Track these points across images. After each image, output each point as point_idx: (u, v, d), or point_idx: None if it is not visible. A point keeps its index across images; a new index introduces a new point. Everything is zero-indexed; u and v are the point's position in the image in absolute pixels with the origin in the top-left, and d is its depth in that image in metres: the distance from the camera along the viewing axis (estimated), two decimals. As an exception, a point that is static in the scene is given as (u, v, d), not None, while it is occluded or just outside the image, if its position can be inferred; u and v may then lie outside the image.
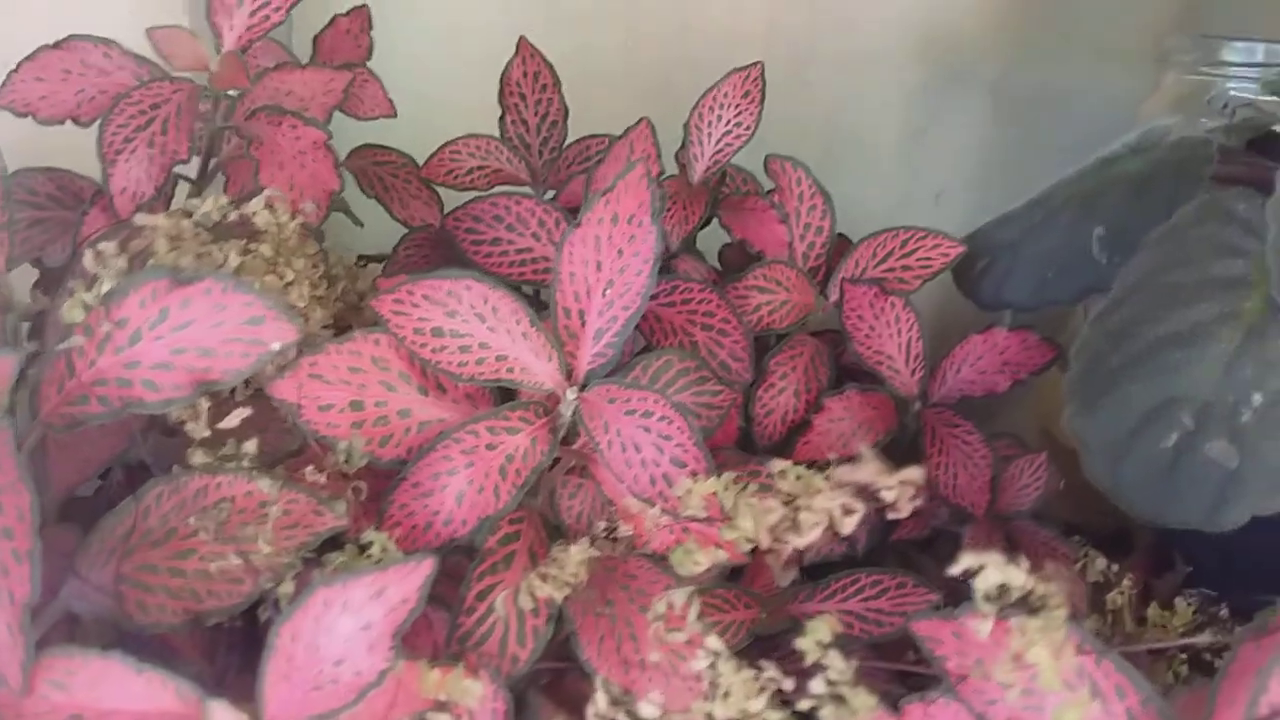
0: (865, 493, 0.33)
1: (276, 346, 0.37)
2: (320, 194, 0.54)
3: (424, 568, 0.35)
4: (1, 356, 0.36)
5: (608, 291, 0.44)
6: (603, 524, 0.45)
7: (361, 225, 0.72)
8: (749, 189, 0.66)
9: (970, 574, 0.30)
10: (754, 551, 0.53)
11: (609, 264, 0.44)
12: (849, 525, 0.33)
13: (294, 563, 0.36)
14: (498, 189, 0.63)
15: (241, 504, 0.40)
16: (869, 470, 0.32)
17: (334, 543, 0.41)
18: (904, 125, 0.95)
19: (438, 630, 0.42)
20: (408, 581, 0.34)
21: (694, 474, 0.42)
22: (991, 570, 0.30)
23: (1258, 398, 0.49)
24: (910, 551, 0.60)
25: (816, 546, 0.58)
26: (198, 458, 0.41)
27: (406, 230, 0.65)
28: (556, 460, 0.47)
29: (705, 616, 0.44)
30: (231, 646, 0.42)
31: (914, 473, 0.33)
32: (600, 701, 0.33)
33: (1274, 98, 0.62)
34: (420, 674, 0.36)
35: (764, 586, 0.52)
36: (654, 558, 0.45)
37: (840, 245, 0.64)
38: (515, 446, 0.43)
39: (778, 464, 0.36)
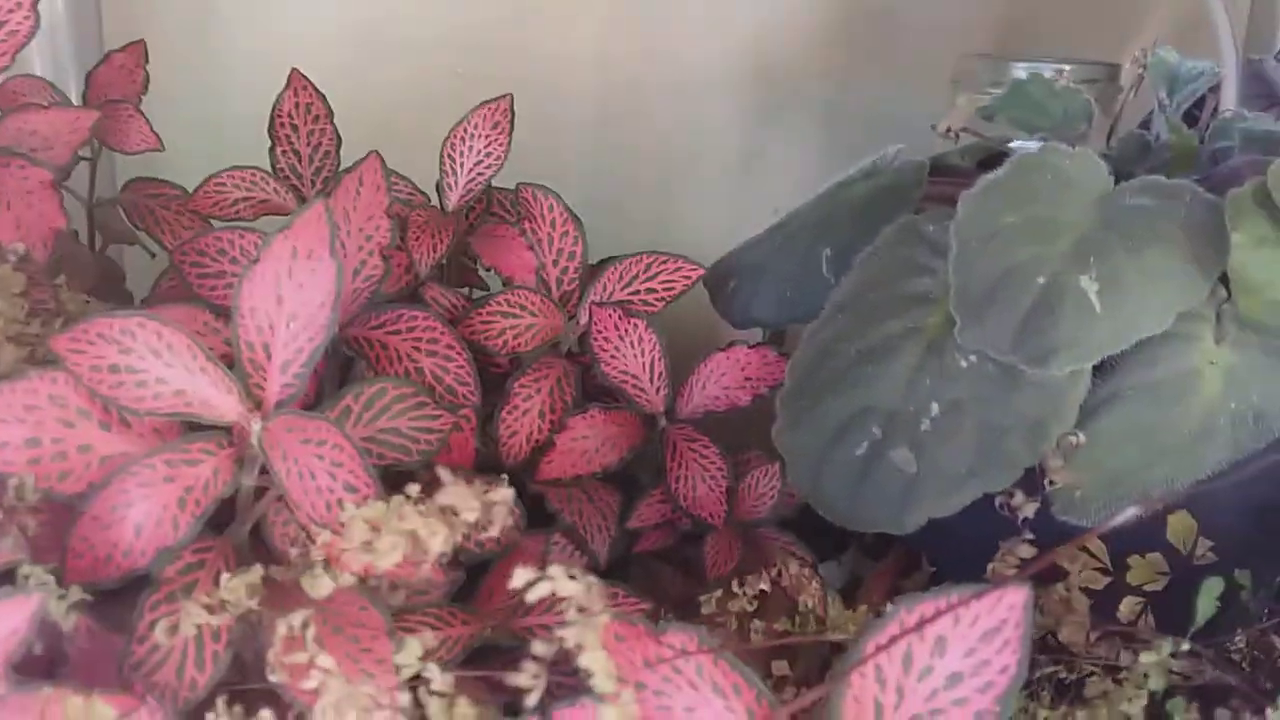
0: (449, 515, 0.35)
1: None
2: (47, 232, 0.55)
3: (32, 601, 0.36)
4: None
5: (291, 325, 0.46)
6: (303, 549, 0.47)
7: (154, 256, 0.73)
8: (506, 217, 0.68)
9: (530, 584, 0.32)
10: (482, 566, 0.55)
11: (290, 297, 0.46)
12: (437, 544, 0.35)
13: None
14: (264, 219, 0.65)
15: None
16: (454, 493, 0.34)
17: (9, 576, 0.42)
18: (740, 148, 0.98)
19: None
20: (17, 613, 0.35)
21: (364, 498, 0.43)
22: (546, 584, 0.32)
23: (935, 407, 0.52)
24: (654, 563, 0.63)
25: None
26: None
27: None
28: (264, 490, 0.49)
29: (418, 632, 0.46)
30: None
31: (502, 493, 0.35)
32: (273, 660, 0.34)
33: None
34: (64, 702, 0.37)
35: (500, 602, 0.54)
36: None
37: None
38: (196, 478, 0.45)
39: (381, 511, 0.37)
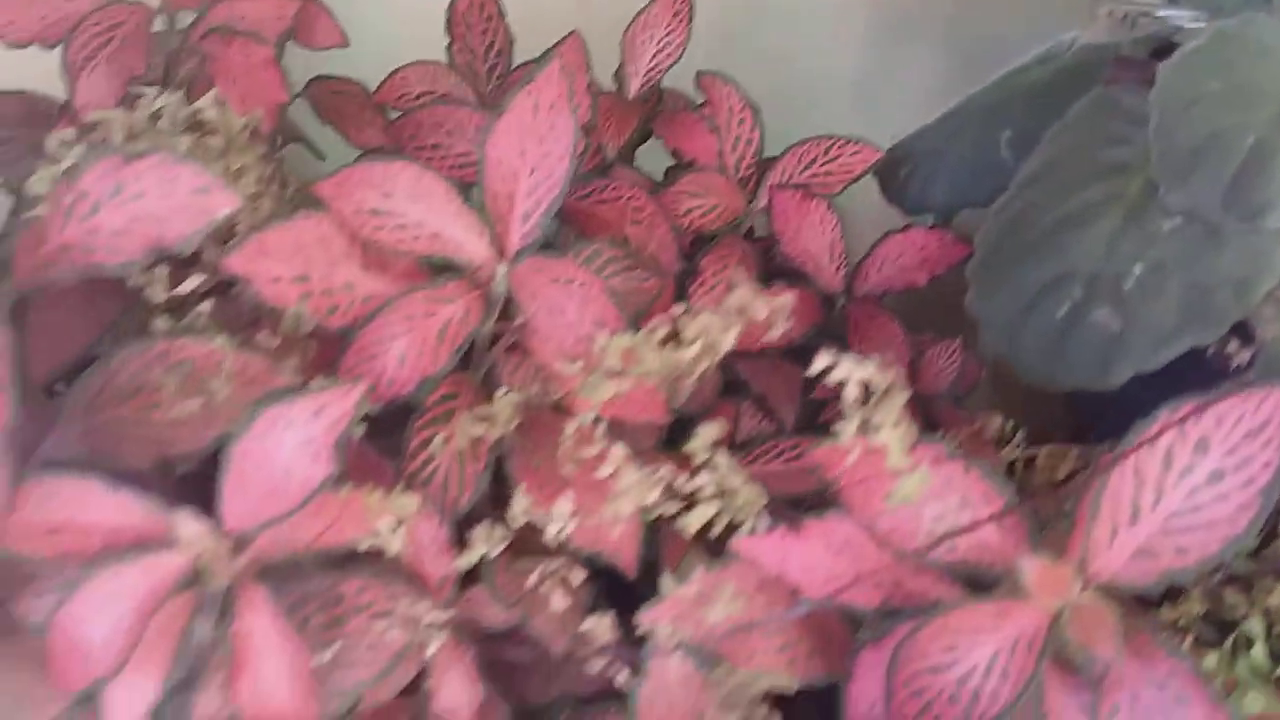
0: (742, 314, 0.37)
1: (222, 214, 0.41)
2: (270, 105, 0.58)
3: (357, 389, 0.39)
4: (-24, 220, 0.40)
5: (532, 175, 0.48)
6: (537, 387, 0.49)
7: (324, 158, 0.76)
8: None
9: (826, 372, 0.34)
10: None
11: (532, 150, 0.48)
12: (728, 340, 0.38)
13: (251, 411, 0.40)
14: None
15: (202, 363, 0.45)
16: (743, 294, 0.37)
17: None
18: (860, 69, 0.99)
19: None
20: (344, 401, 0.38)
21: (612, 332, 0.46)
22: (842, 366, 0.34)
23: (1138, 268, 0.53)
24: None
25: (745, 427, 0.62)
26: (160, 323, 0.45)
27: (360, 154, 0.69)
28: (497, 338, 0.51)
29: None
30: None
31: (785, 299, 0.37)
32: (518, 505, 0.37)
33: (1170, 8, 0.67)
34: (365, 498, 0.40)
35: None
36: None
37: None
38: (451, 315, 0.48)
39: (679, 309, 0.40)
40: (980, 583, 0.43)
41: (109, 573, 0.38)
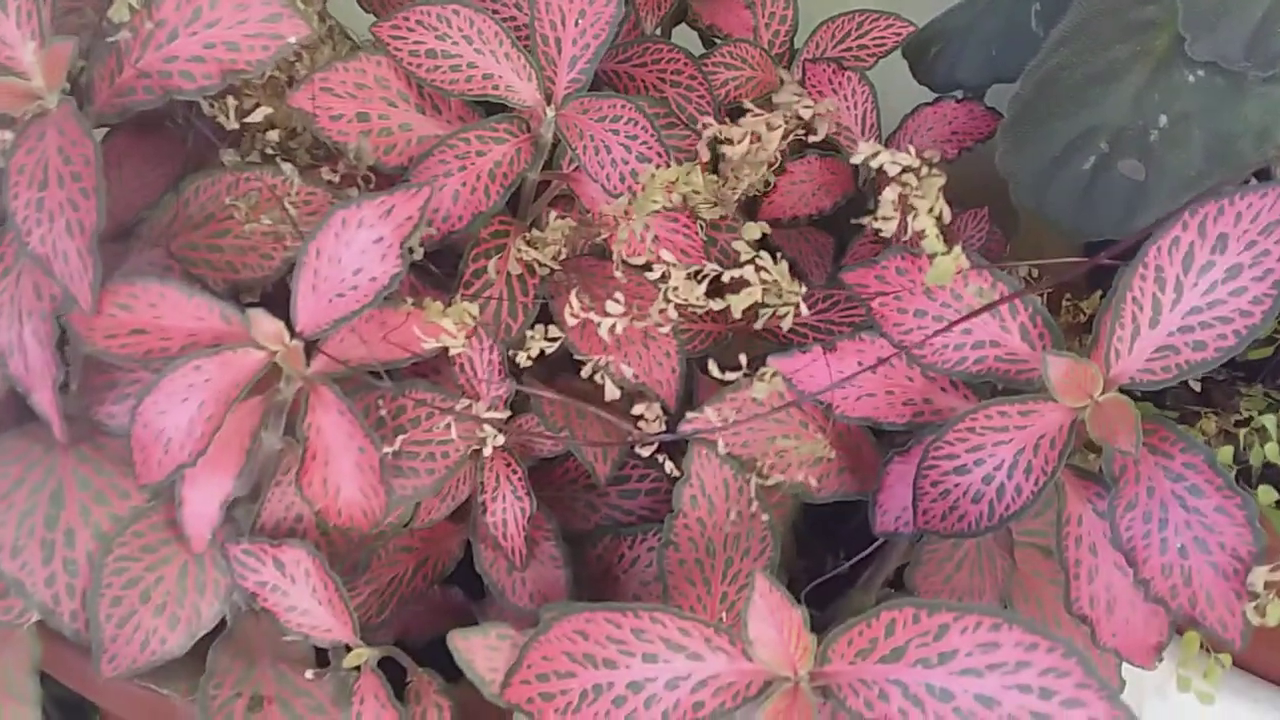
0: (792, 115, 0.39)
1: (293, 39, 0.44)
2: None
3: (424, 192, 0.41)
4: (59, 43, 0.42)
5: (580, 21, 0.50)
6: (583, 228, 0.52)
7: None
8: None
9: (871, 157, 0.36)
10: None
11: (580, -6, 0.50)
12: (773, 142, 0.40)
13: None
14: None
15: (267, 194, 0.47)
16: (789, 91, 0.39)
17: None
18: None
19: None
20: (411, 202, 0.41)
21: (657, 167, 0.48)
22: (883, 154, 0.36)
23: (1163, 120, 0.55)
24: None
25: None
26: (229, 156, 0.48)
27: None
28: (544, 187, 0.54)
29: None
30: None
31: (828, 104, 0.39)
32: (574, 303, 0.40)
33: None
34: (428, 309, 0.43)
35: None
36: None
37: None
38: (502, 154, 0.50)
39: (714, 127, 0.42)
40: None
41: (189, 365, 0.40)
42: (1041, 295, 0.58)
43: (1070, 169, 0.57)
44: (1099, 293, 0.56)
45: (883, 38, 0.68)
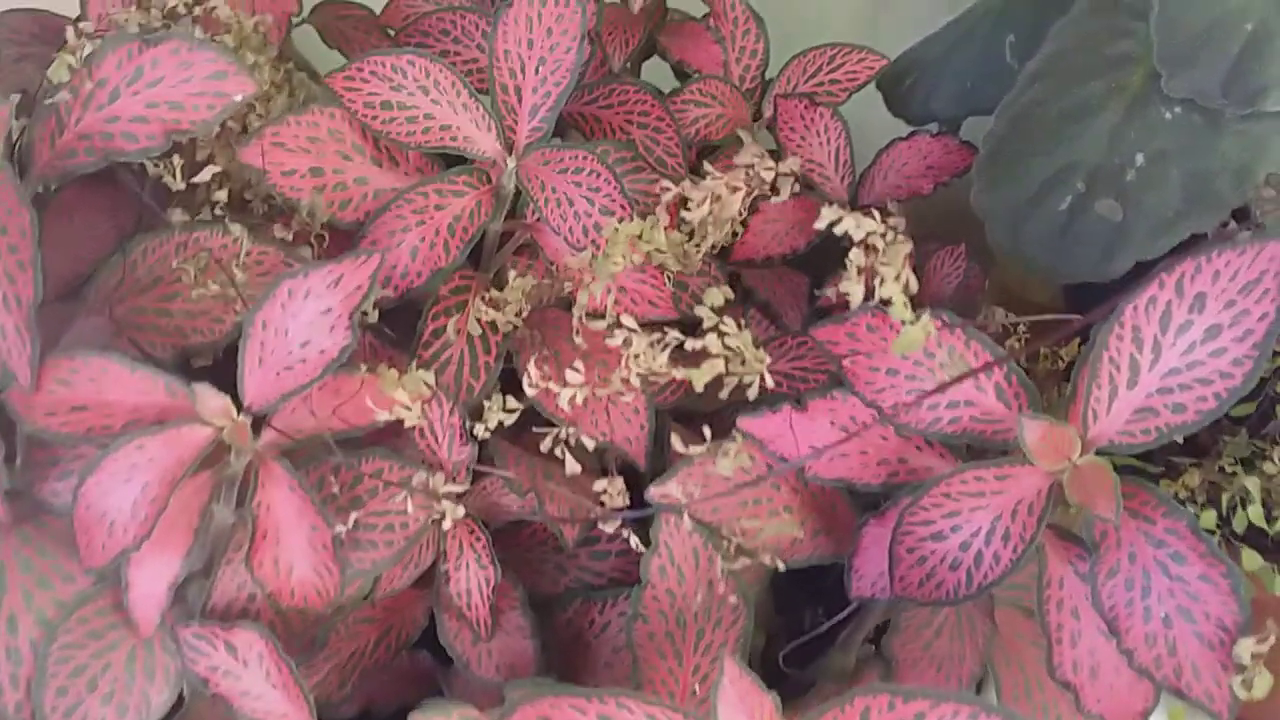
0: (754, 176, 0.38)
1: (239, 98, 0.42)
2: (280, 14, 0.59)
3: (373, 261, 0.40)
4: (-3, 107, 0.41)
5: (540, 69, 0.49)
6: (546, 282, 0.50)
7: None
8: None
9: (832, 224, 0.35)
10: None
11: (540, 42, 0.49)
12: (734, 203, 0.38)
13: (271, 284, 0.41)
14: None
15: (218, 254, 0.45)
16: (750, 153, 0.37)
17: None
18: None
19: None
20: (361, 270, 0.39)
21: (620, 220, 0.47)
22: (846, 219, 0.35)
23: (1140, 158, 0.54)
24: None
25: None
26: (176, 215, 0.46)
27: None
28: (507, 237, 0.52)
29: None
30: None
31: (792, 163, 0.38)
32: (531, 373, 0.38)
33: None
34: (382, 378, 0.41)
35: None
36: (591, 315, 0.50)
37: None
38: (462, 208, 0.49)
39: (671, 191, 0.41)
40: (983, 458, 0.44)
41: (133, 444, 0.39)
42: (1020, 340, 0.57)
43: (1046, 209, 0.56)
44: (1078, 340, 0.55)
45: (855, 71, 0.67)
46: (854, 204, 0.66)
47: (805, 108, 0.65)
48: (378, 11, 0.72)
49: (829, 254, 0.69)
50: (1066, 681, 0.43)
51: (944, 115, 0.68)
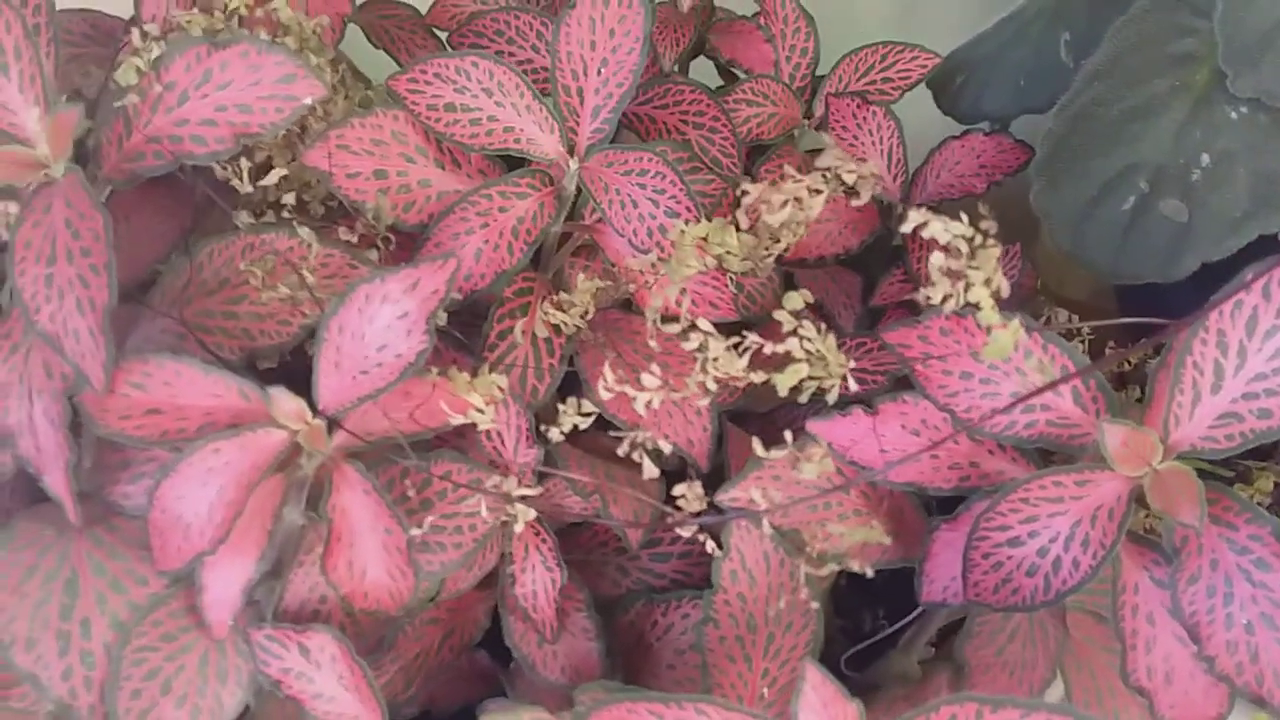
0: (833, 177, 0.37)
1: (309, 100, 0.42)
2: (335, 14, 0.59)
3: (450, 264, 0.40)
4: (64, 110, 0.41)
5: (602, 70, 0.49)
6: (608, 284, 0.50)
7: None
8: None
9: (921, 226, 0.34)
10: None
11: (602, 43, 0.49)
12: (816, 206, 0.38)
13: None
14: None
15: (285, 256, 0.45)
16: (832, 155, 0.37)
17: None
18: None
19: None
20: (438, 275, 0.39)
21: (686, 222, 0.46)
22: (934, 223, 0.34)
23: (1205, 159, 0.53)
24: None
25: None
26: (243, 219, 0.46)
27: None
28: (566, 238, 0.52)
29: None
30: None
31: (870, 167, 0.37)
32: (609, 377, 0.38)
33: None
34: (454, 381, 0.41)
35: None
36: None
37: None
38: (525, 210, 0.48)
39: (752, 193, 0.40)
40: (1055, 462, 0.43)
41: (209, 449, 0.39)
42: (1083, 341, 0.56)
43: (1108, 209, 0.55)
44: (1143, 340, 0.54)
45: (908, 70, 0.66)
46: (907, 203, 0.66)
47: (858, 106, 0.64)
48: (423, 11, 0.72)
49: (880, 254, 0.69)
50: (1140, 687, 0.42)
51: (995, 114, 0.68)
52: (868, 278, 0.66)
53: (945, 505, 0.46)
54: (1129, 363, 0.53)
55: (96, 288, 0.38)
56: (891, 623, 0.52)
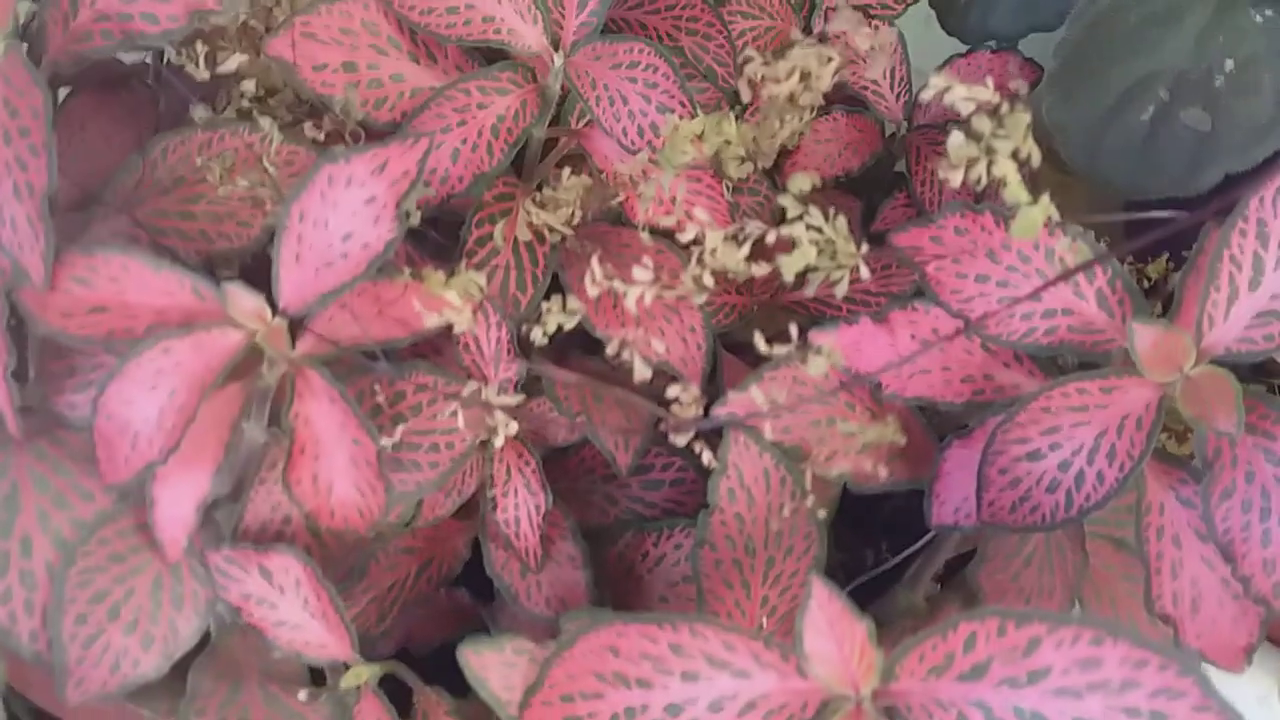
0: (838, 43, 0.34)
1: (269, -27, 0.38)
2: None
3: (422, 144, 0.36)
4: (3, -17, 0.37)
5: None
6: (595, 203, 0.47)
7: None
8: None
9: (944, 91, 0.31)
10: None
11: (591, -73, 0.45)
12: (825, 78, 0.35)
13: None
14: None
15: (245, 154, 0.42)
16: (847, 18, 0.34)
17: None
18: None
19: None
20: (408, 155, 0.36)
21: (680, 118, 0.43)
22: (957, 87, 0.31)
23: (1229, 64, 0.50)
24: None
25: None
26: (200, 112, 0.42)
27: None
28: (551, 146, 0.49)
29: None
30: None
31: (889, 34, 0.34)
32: (596, 270, 0.35)
33: None
34: (428, 280, 0.37)
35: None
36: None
37: None
38: (505, 107, 0.45)
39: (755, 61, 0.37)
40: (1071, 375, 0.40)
41: (159, 348, 0.35)
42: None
43: (1127, 120, 0.52)
44: (1165, 256, 0.51)
45: (911, -17, 0.63)
46: (909, 123, 0.63)
47: (859, 20, 0.61)
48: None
49: (881, 179, 0.66)
50: (1165, 615, 0.40)
51: (1002, 32, 0.64)
52: (868, 204, 0.63)
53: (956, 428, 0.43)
54: (1147, 278, 0.50)
55: (35, 170, 0.35)
56: (895, 557, 0.50)
